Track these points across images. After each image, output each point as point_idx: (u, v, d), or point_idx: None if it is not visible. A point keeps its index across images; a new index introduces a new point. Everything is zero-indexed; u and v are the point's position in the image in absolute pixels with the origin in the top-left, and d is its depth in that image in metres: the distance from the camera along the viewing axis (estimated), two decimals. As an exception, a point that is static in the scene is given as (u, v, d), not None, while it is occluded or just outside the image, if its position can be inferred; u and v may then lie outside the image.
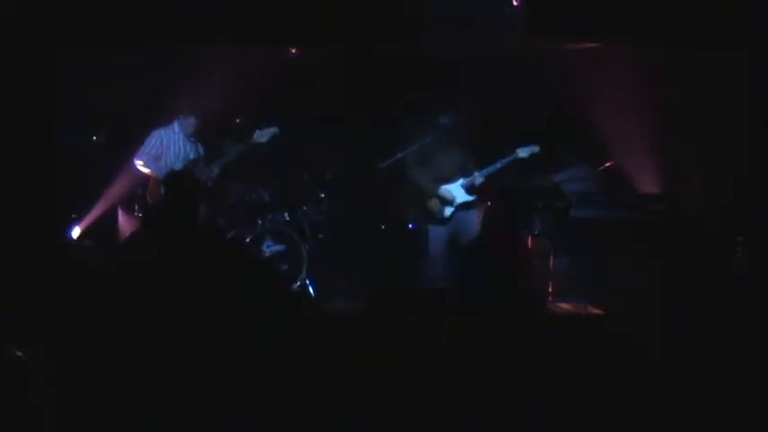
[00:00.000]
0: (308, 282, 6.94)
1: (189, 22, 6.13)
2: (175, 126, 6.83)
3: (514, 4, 6.45)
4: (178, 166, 6.63)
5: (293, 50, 7.50)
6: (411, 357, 4.59)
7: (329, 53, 7.44)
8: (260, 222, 7.08)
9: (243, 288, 4.02)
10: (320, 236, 7.34)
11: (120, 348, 3.83)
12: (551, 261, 6.59)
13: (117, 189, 7.08)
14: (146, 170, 6.73)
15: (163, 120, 6.90)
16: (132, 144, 6.91)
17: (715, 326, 5.14)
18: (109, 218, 7.09)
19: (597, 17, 6.26)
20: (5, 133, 5.88)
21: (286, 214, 7.18)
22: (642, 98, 7.00)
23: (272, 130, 6.78)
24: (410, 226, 7.46)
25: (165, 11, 6.07)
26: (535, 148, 6.64)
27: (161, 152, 6.77)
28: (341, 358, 4.17)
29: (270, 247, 6.92)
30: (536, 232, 6.69)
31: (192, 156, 6.77)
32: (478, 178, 6.68)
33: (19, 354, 3.12)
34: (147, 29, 6.13)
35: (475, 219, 6.66)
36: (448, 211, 6.72)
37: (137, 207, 6.81)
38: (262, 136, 6.76)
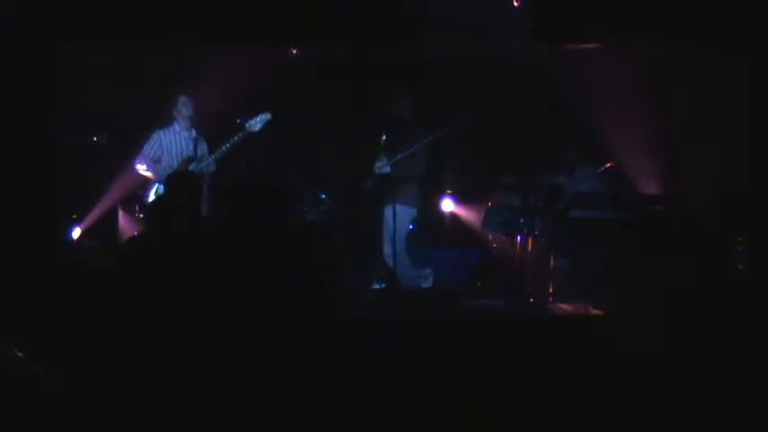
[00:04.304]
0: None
1: (189, 22, 6.13)
2: (176, 126, 6.82)
3: (515, 4, 6.45)
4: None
5: (293, 50, 7.51)
6: (411, 357, 4.60)
7: (329, 53, 7.45)
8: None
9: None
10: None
11: (121, 350, 3.83)
12: (551, 262, 6.59)
13: (117, 189, 7.08)
14: (147, 174, 6.73)
15: (162, 120, 6.91)
16: (132, 144, 6.91)
17: (715, 326, 5.14)
18: (109, 218, 7.10)
19: (597, 18, 6.26)
20: (5, 133, 5.88)
21: (286, 214, 7.16)
22: (642, 98, 7.01)
23: (265, 116, 6.62)
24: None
25: (165, 11, 6.07)
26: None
27: (161, 154, 6.75)
28: (341, 358, 4.17)
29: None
30: (536, 233, 6.69)
31: (193, 154, 6.75)
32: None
33: (19, 354, 3.11)
34: (148, 29, 6.13)
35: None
36: None
37: (137, 207, 6.81)
38: (254, 124, 6.64)
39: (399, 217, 6.63)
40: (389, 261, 6.68)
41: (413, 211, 6.79)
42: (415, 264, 6.93)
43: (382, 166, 6.73)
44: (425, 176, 6.85)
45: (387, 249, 6.71)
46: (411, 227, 6.88)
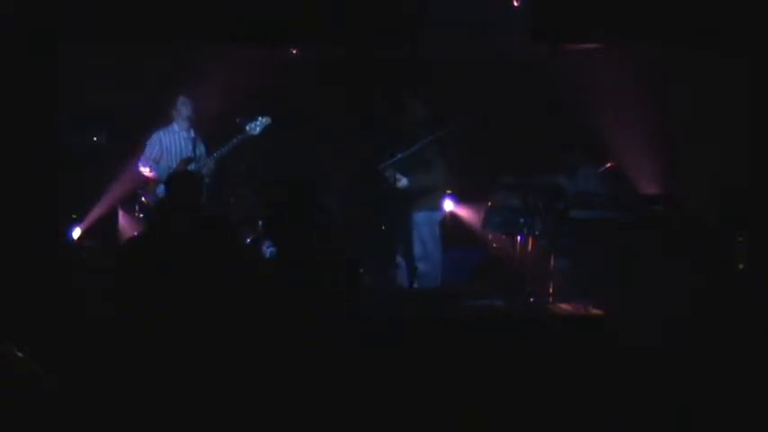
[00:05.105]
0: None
1: (189, 22, 6.13)
2: (175, 126, 6.83)
3: (515, 4, 6.45)
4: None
5: (293, 50, 7.50)
6: (411, 357, 4.60)
7: (329, 53, 7.45)
8: (260, 223, 7.07)
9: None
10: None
11: (121, 349, 3.84)
12: (551, 262, 6.59)
13: (117, 189, 7.08)
14: (151, 175, 6.75)
15: (162, 120, 6.91)
16: (132, 144, 6.92)
17: (715, 326, 5.14)
18: (109, 218, 7.09)
19: (597, 17, 6.26)
20: (6, 133, 5.87)
21: (286, 215, 7.15)
22: (642, 98, 7.00)
23: (264, 120, 6.67)
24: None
25: (165, 11, 6.07)
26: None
27: (161, 155, 6.77)
28: (341, 358, 4.17)
29: (270, 248, 6.91)
30: (536, 233, 6.69)
31: (192, 155, 6.75)
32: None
33: (19, 354, 3.12)
34: (148, 29, 6.13)
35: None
36: None
37: (137, 207, 6.81)
38: (254, 128, 6.67)
39: (426, 222, 6.84)
40: (420, 264, 6.79)
41: (437, 215, 6.97)
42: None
43: (386, 168, 6.78)
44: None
45: (417, 251, 6.84)
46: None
